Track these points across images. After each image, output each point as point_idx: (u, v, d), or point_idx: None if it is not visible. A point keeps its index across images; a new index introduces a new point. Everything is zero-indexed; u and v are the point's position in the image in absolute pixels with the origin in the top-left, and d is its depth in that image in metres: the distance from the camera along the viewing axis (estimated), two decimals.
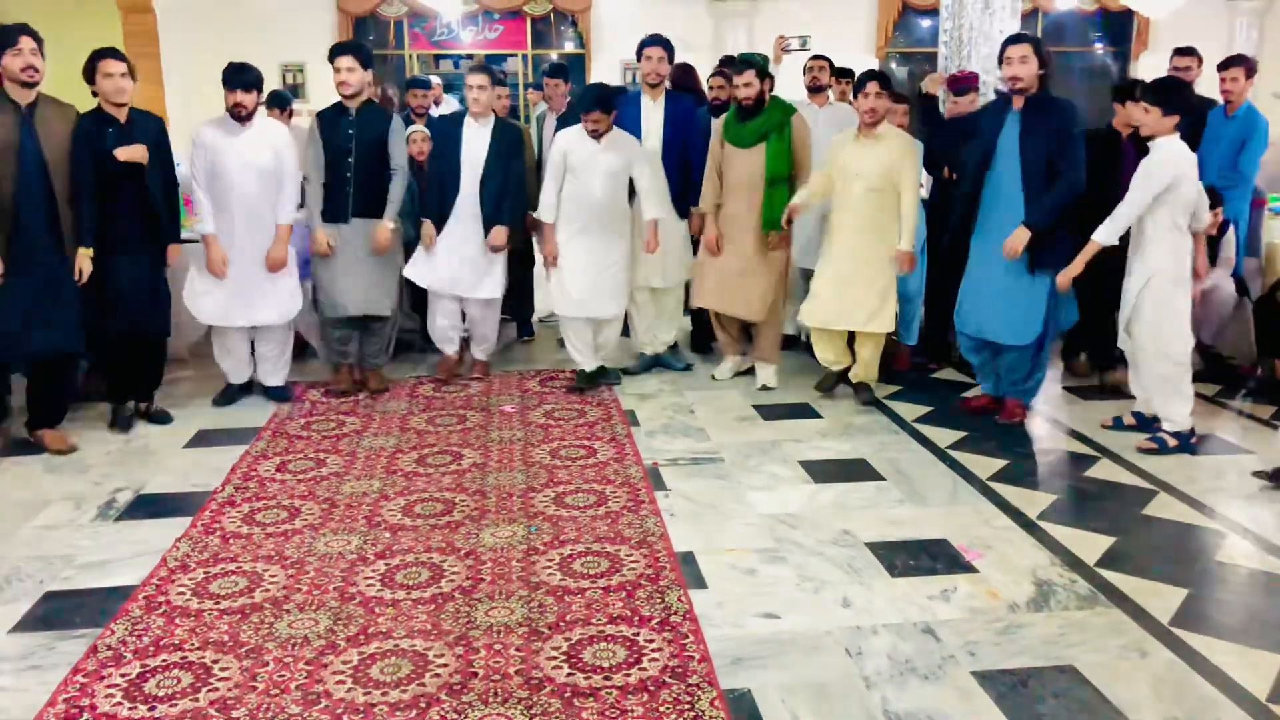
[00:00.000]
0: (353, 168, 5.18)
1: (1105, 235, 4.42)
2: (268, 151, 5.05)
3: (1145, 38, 13.14)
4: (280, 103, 6.55)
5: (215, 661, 2.86)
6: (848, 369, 5.32)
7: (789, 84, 6.31)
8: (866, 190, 4.97)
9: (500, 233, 5.37)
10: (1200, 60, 6.30)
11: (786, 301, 5.71)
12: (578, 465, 4.39)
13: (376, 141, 5.19)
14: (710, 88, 6.08)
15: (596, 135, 5.17)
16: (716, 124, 5.50)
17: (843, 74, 6.52)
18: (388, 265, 5.35)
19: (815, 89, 6.17)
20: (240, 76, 4.95)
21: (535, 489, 4.13)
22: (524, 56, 12.88)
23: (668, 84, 5.71)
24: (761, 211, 5.26)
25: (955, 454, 4.54)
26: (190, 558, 3.53)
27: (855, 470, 4.36)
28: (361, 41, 5.28)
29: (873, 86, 4.90)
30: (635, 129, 5.46)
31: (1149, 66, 12.48)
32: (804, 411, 5.15)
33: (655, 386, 5.58)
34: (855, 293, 5.04)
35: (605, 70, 12.15)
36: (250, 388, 5.42)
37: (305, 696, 2.69)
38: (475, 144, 5.38)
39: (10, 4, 11.96)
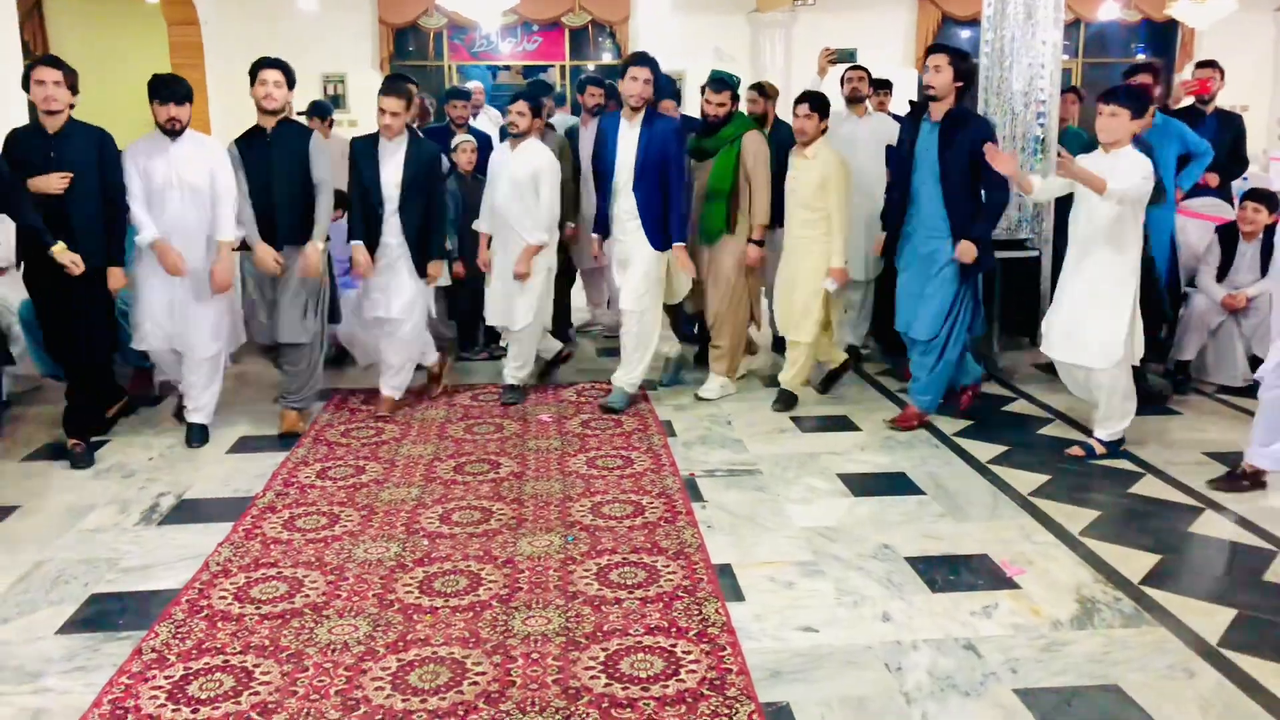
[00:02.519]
0: (274, 192, 4.81)
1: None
2: (201, 168, 4.68)
3: (1190, 48, 12.97)
4: (321, 112, 6.62)
5: (256, 665, 2.88)
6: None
7: (830, 95, 6.31)
8: (796, 206, 5.23)
9: (436, 266, 5.17)
10: (1222, 72, 6.34)
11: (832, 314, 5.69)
12: (614, 475, 4.39)
13: (297, 158, 4.83)
14: (747, 101, 6.11)
15: (518, 135, 5.22)
16: None
17: (881, 85, 6.50)
18: (303, 291, 4.93)
19: (854, 99, 6.17)
20: (173, 89, 4.63)
21: (572, 498, 4.13)
22: (562, 67, 12.96)
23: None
24: (699, 223, 5.39)
25: (996, 468, 4.49)
26: (232, 562, 3.56)
27: (895, 484, 4.32)
28: (283, 61, 4.90)
29: (801, 109, 5.14)
30: (611, 148, 5.19)
31: None
32: (842, 424, 5.12)
33: (691, 397, 5.56)
34: (785, 302, 5.39)
35: None
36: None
37: (345, 702, 2.70)
38: (390, 166, 5.05)
39: (60, 20, 12.23)
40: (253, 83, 4.79)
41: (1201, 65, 6.45)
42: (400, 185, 5.02)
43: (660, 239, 5.18)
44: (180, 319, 4.77)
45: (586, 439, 4.88)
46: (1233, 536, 3.79)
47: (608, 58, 13.13)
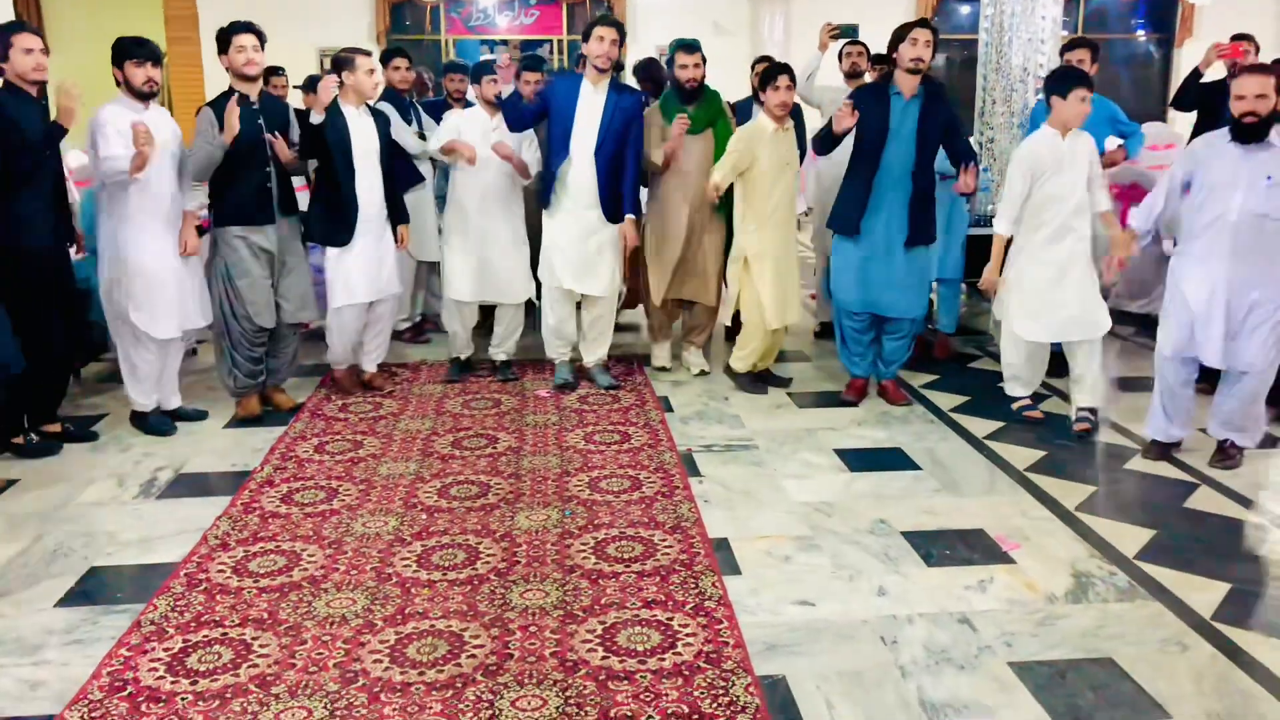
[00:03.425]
0: (271, 162, 4.68)
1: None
2: (173, 136, 4.53)
3: (1190, 25, 12.92)
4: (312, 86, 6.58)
5: (255, 638, 2.89)
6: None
7: (830, 70, 6.29)
8: (791, 181, 5.08)
9: (406, 230, 5.16)
10: (1257, 46, 6.22)
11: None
12: (612, 450, 4.40)
13: (286, 131, 4.77)
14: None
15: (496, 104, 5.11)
16: (653, 113, 5.23)
17: (879, 60, 6.47)
18: (304, 268, 4.92)
19: (853, 74, 6.15)
20: (151, 49, 4.38)
21: (569, 473, 4.14)
22: (559, 42, 12.88)
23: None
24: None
25: (992, 444, 4.50)
26: (230, 536, 3.57)
27: (891, 459, 4.33)
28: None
29: (784, 80, 4.92)
30: (569, 112, 4.97)
31: (1193, 54, 12.24)
32: (839, 399, 5.13)
33: (686, 374, 5.57)
34: (792, 283, 5.17)
35: (640, 56, 12.14)
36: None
37: (343, 674, 2.71)
38: (365, 133, 4.93)
39: None
40: (225, 49, 4.56)
41: (1237, 37, 6.31)
42: (379, 151, 4.97)
43: (615, 210, 5.07)
44: (189, 298, 4.62)
45: (584, 414, 4.89)
46: (1227, 511, 3.81)
47: None
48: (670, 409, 4.98)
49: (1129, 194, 6.70)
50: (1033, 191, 4.47)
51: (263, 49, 4.64)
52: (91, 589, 3.23)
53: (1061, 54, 5.61)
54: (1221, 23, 10.89)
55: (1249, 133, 3.91)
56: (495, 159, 5.10)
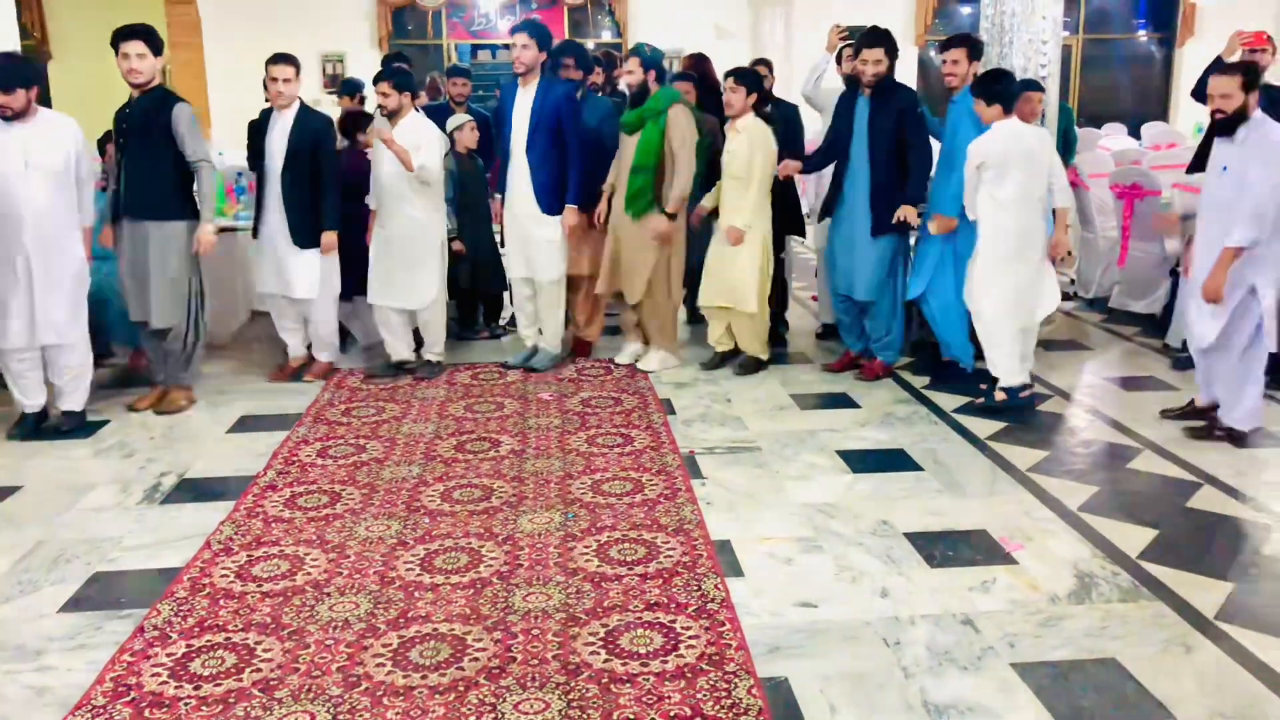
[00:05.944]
0: (122, 162, 4.76)
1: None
2: (57, 152, 4.43)
3: (1191, 24, 12.92)
4: (351, 90, 6.61)
5: (258, 643, 2.90)
6: (734, 350, 5.68)
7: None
8: (729, 178, 5.37)
9: (328, 236, 5.24)
10: (1275, 47, 6.14)
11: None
12: (614, 453, 4.40)
13: (155, 130, 4.72)
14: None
15: (393, 113, 5.16)
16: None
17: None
18: (176, 273, 4.85)
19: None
20: (17, 70, 4.32)
21: (572, 476, 4.14)
22: None
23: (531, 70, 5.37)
24: (624, 197, 5.41)
25: (995, 445, 4.50)
26: (233, 541, 3.58)
27: (894, 460, 4.33)
28: (149, 26, 4.81)
29: (729, 82, 5.30)
30: (508, 116, 5.38)
31: (1195, 54, 12.24)
32: (842, 401, 5.13)
33: (691, 375, 5.57)
34: (730, 274, 5.41)
35: None
36: (47, 415, 4.74)
37: (346, 678, 2.72)
38: (277, 135, 5.21)
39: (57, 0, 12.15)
40: (124, 56, 4.64)
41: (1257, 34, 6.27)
42: (284, 155, 5.16)
43: (551, 202, 5.38)
44: (44, 310, 4.48)
45: (586, 417, 4.89)
46: (1230, 511, 3.80)
47: (607, 36, 13.06)
48: (673, 411, 4.99)
49: (1129, 193, 6.70)
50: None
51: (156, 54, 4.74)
52: (95, 594, 3.23)
53: (941, 50, 5.69)
54: (1223, 21, 10.88)
55: (1221, 128, 4.27)
56: (388, 164, 5.20)
